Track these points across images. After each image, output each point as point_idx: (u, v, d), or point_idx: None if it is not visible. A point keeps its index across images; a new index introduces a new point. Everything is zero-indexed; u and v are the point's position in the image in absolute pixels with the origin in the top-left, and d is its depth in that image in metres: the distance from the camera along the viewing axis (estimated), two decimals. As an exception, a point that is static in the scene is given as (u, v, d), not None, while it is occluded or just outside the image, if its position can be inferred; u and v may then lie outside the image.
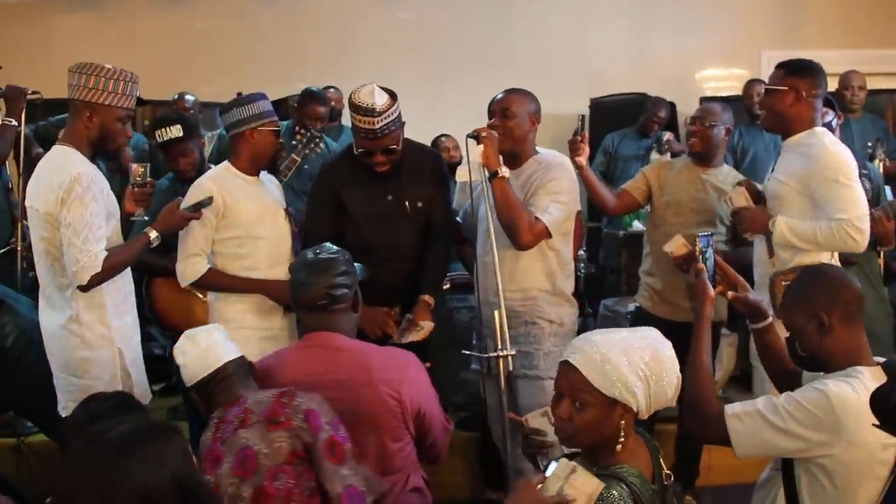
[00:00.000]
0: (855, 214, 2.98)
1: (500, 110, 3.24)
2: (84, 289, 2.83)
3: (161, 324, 3.98)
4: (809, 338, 2.19)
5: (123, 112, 2.93)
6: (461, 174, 3.18)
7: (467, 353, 3.29)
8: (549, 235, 3.15)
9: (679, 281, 3.58)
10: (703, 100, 6.29)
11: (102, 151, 3.01)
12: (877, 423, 1.79)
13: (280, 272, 3.24)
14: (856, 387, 2.04)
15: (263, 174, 3.35)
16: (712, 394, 2.20)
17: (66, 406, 2.96)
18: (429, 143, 3.53)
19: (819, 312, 2.16)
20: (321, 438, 2.16)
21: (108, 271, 2.84)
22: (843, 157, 3.05)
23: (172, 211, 3.05)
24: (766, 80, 3.27)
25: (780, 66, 3.25)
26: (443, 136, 5.74)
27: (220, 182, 3.17)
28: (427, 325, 3.19)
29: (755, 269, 3.29)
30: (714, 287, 2.43)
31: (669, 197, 3.70)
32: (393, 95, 3.14)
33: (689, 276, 2.45)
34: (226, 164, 3.28)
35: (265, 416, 2.19)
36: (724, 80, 7.01)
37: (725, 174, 3.71)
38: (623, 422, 1.84)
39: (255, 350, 2.85)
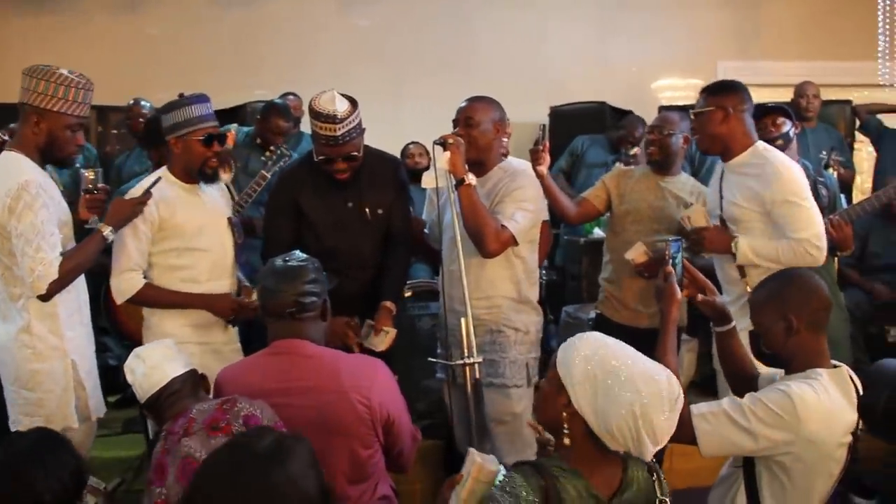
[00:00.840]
0: (812, 233, 3.01)
1: (463, 119, 3.23)
2: (44, 298, 2.74)
3: (119, 332, 3.90)
4: (775, 337, 2.27)
5: (74, 120, 2.83)
6: (427, 181, 3.14)
7: (433, 360, 3.27)
8: (516, 243, 3.15)
9: (639, 288, 3.61)
10: (661, 108, 6.38)
11: (51, 159, 2.89)
12: (864, 429, 1.86)
13: (221, 285, 3.19)
14: (816, 388, 2.12)
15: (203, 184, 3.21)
16: None
17: (16, 420, 2.87)
18: (388, 150, 3.51)
19: (789, 315, 2.23)
20: None
21: (66, 276, 2.75)
22: (795, 177, 3.07)
23: (120, 202, 2.95)
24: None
25: (702, 90, 3.28)
26: (411, 143, 5.73)
27: (156, 191, 3.03)
28: (391, 332, 3.17)
29: (723, 286, 3.28)
30: (682, 290, 2.45)
31: (629, 205, 3.71)
32: (353, 102, 3.11)
33: (658, 279, 2.45)
34: (163, 170, 3.16)
35: (206, 423, 2.19)
36: (682, 89, 7.09)
37: (684, 182, 3.74)
38: (565, 414, 1.81)
39: (198, 364, 2.77)
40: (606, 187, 3.77)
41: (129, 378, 2.40)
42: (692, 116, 3.26)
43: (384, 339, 3.17)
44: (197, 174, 3.11)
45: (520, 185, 3.19)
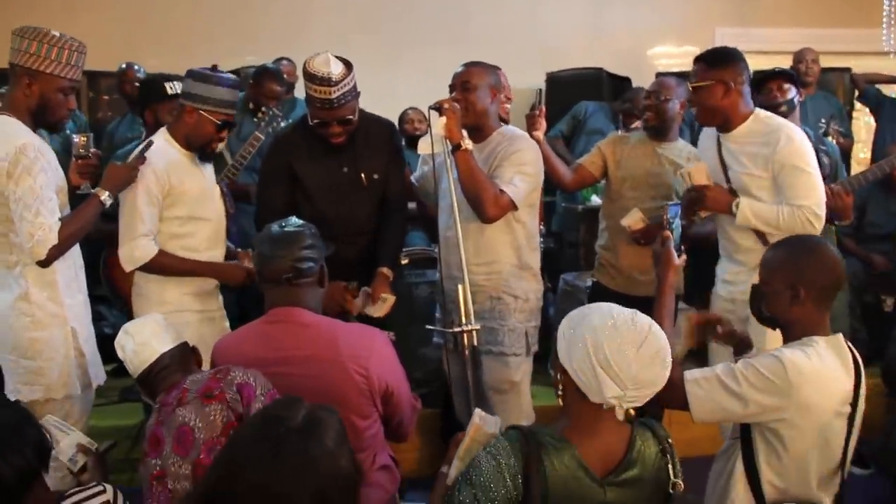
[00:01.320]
0: (814, 201, 3.00)
1: (460, 83, 3.20)
2: (43, 264, 2.70)
3: (119, 299, 3.88)
4: (779, 302, 2.24)
5: (66, 83, 2.77)
6: (423, 146, 3.10)
7: (430, 328, 3.26)
8: (515, 208, 3.12)
9: (635, 255, 3.61)
10: (658, 75, 6.32)
11: (42, 123, 2.84)
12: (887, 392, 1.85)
13: (217, 254, 3.17)
14: (809, 354, 2.11)
15: None
16: (674, 360, 2.21)
17: (14, 389, 2.83)
18: (383, 115, 3.48)
19: (798, 285, 2.19)
20: (254, 408, 2.14)
21: (65, 241, 2.71)
22: (803, 144, 3.05)
23: (116, 167, 2.90)
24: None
25: (699, 59, 3.19)
26: (409, 108, 5.68)
27: (165, 158, 2.99)
28: (389, 299, 3.16)
29: (730, 255, 3.27)
30: (679, 256, 2.44)
31: (625, 171, 3.70)
32: (348, 65, 3.07)
33: (656, 244, 2.44)
34: (164, 134, 3.09)
35: (200, 392, 2.18)
36: (678, 56, 7.03)
37: (681, 148, 3.72)
38: (553, 371, 1.85)
39: (194, 333, 2.80)
40: (602, 153, 3.76)
41: (119, 354, 2.38)
42: (690, 89, 3.21)
43: (382, 306, 3.16)
44: (197, 149, 3.08)
45: (518, 147, 3.16)
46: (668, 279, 2.37)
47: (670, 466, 1.84)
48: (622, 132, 4.45)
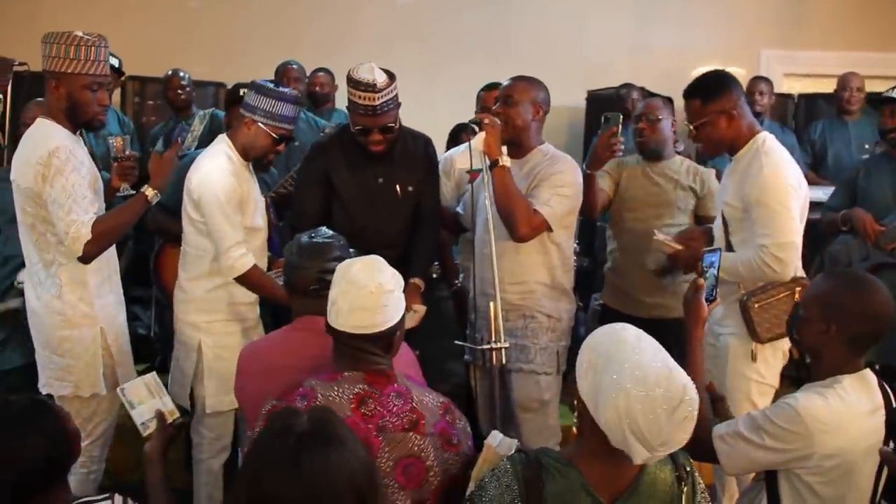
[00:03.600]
0: (775, 241, 2.79)
1: (503, 97, 3.19)
2: (83, 260, 2.77)
3: (165, 293, 3.94)
4: (810, 332, 2.17)
5: (90, 79, 2.82)
6: (462, 161, 3.12)
7: (460, 343, 3.25)
8: (549, 229, 3.10)
9: (643, 277, 3.59)
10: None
11: (78, 122, 2.89)
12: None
13: (264, 264, 3.21)
14: (829, 397, 2.06)
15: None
16: (704, 416, 2.15)
17: (46, 384, 2.91)
18: (423, 128, 3.50)
19: (831, 321, 2.11)
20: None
21: (101, 237, 2.76)
22: (778, 177, 2.84)
23: (158, 161, 2.95)
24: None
25: (691, 96, 3.00)
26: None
27: (233, 168, 3.04)
28: (420, 309, 3.18)
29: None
30: (712, 301, 2.42)
31: (626, 194, 3.71)
32: (391, 75, 3.12)
33: (687, 291, 2.41)
34: (226, 141, 3.13)
35: (438, 431, 2.05)
36: (723, 77, 6.95)
37: (679, 164, 3.72)
38: (576, 403, 1.77)
39: (235, 343, 2.87)
40: (611, 176, 3.76)
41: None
42: (691, 129, 3.01)
43: (412, 316, 3.17)
44: (252, 159, 3.14)
45: (559, 169, 3.14)
46: (697, 334, 2.32)
47: (684, 496, 1.78)
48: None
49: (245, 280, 3.02)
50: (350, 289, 2.01)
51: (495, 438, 1.96)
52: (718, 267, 2.50)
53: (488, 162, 3.00)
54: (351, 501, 1.56)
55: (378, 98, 3.04)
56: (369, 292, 1.99)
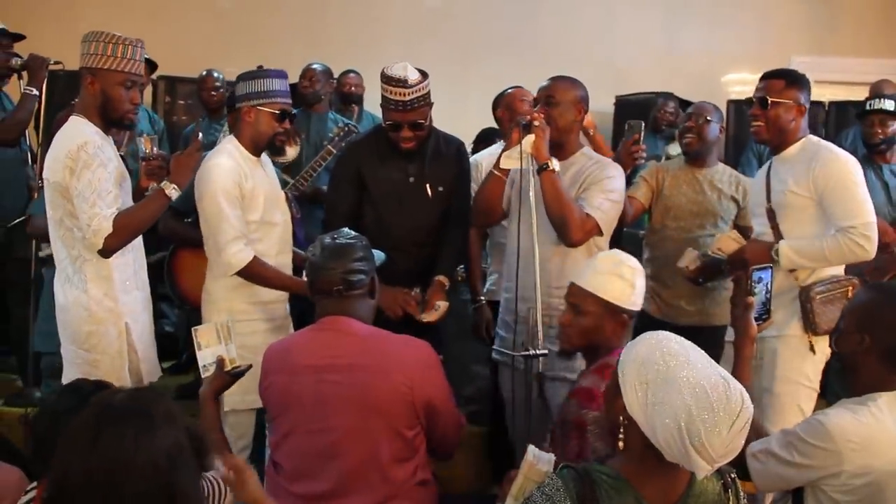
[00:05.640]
0: (862, 221, 2.88)
1: (544, 97, 3.14)
2: (104, 254, 2.79)
3: (180, 299, 3.98)
4: (847, 343, 2.14)
5: (124, 76, 2.85)
6: (508, 161, 3.00)
7: (497, 349, 3.22)
8: (601, 233, 3.04)
9: (682, 285, 3.58)
10: (730, 103, 6.23)
11: (110, 120, 2.92)
12: None
13: (286, 259, 3.22)
14: (861, 415, 2.02)
15: (263, 156, 3.25)
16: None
17: (72, 378, 2.94)
18: (452, 132, 3.52)
19: (866, 333, 2.09)
20: None
21: (122, 231, 2.78)
22: (849, 162, 2.97)
23: (179, 158, 2.96)
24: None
25: (776, 76, 3.11)
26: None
27: (234, 164, 3.05)
28: (443, 306, 3.20)
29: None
30: (765, 320, 2.40)
31: (667, 201, 3.69)
32: (424, 74, 3.17)
33: (737, 308, 2.38)
34: (232, 140, 3.15)
35: None
36: (752, 84, 6.84)
37: (721, 172, 3.71)
38: (622, 418, 1.69)
39: (260, 342, 2.85)
40: (649, 183, 3.75)
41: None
42: (769, 102, 3.06)
43: (435, 312, 3.20)
44: (264, 145, 3.16)
45: (610, 174, 3.09)
46: (745, 353, 2.29)
47: (731, 502, 1.77)
48: (675, 147, 4.43)
49: (247, 274, 3.02)
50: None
51: (533, 454, 1.93)
52: (771, 284, 2.48)
53: (536, 165, 2.94)
54: (152, 487, 1.50)
55: (409, 94, 3.09)
56: None
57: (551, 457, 1.94)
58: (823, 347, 2.98)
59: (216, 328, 2.57)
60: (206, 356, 2.53)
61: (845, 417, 2.02)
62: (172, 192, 2.89)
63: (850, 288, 2.97)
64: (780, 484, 2.15)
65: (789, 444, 2.06)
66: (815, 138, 3.10)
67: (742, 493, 1.82)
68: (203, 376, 2.50)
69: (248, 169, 3.09)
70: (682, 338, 1.72)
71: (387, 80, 3.12)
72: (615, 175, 3.11)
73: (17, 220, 4.07)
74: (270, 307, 3.17)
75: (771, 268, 2.55)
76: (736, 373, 2.23)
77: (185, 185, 2.95)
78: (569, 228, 2.95)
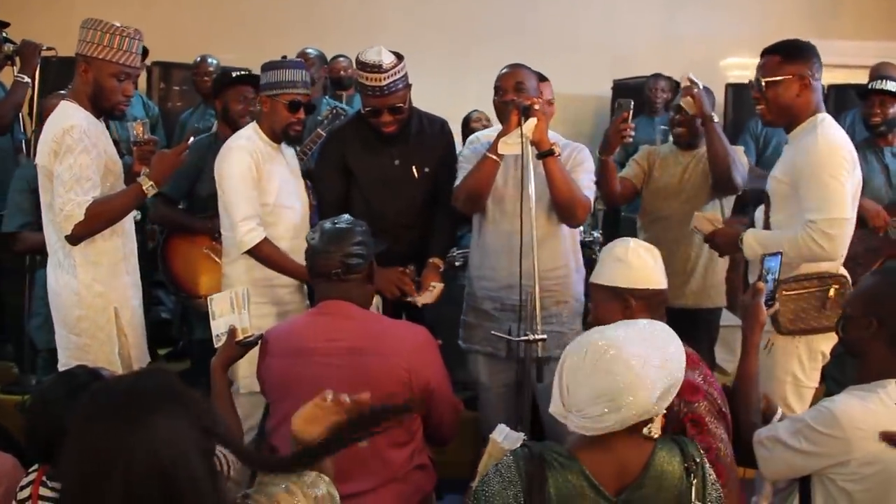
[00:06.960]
0: (825, 217, 2.64)
1: (514, 85, 3.07)
2: (71, 240, 2.79)
3: (173, 285, 3.96)
4: (855, 329, 2.13)
5: (118, 68, 2.85)
6: (507, 147, 2.89)
7: (497, 334, 3.20)
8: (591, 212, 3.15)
9: (675, 266, 3.53)
10: (729, 87, 6.20)
11: (100, 108, 2.91)
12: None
13: (300, 244, 3.20)
14: (870, 401, 2.01)
15: (283, 144, 3.27)
16: (751, 422, 2.21)
17: (65, 363, 2.94)
18: (450, 118, 3.50)
19: (873, 317, 2.07)
20: None
21: (92, 220, 2.77)
22: (833, 153, 2.71)
23: (162, 155, 2.95)
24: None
25: (772, 51, 2.88)
26: (474, 111, 5.62)
27: (251, 146, 3.10)
28: (437, 287, 3.20)
29: (750, 275, 3.04)
30: (772, 304, 2.39)
31: (659, 183, 3.72)
32: (399, 56, 3.15)
33: (746, 294, 2.39)
34: (254, 126, 3.21)
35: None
36: (752, 68, 6.83)
37: None
38: None
39: (271, 325, 2.82)
40: (640, 165, 3.79)
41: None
42: (763, 84, 2.85)
43: (430, 293, 3.19)
44: (280, 134, 3.17)
45: (587, 156, 3.18)
46: (754, 339, 2.29)
47: (693, 489, 1.73)
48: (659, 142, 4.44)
49: (256, 254, 3.05)
50: None
51: (501, 432, 1.96)
52: (779, 271, 2.46)
53: (536, 151, 2.88)
54: (149, 478, 1.35)
55: (385, 78, 3.07)
56: None
57: (520, 436, 1.97)
58: (817, 346, 2.87)
59: (230, 296, 2.54)
60: (219, 325, 2.50)
61: (854, 405, 2.00)
62: (149, 189, 2.89)
63: (836, 287, 2.78)
64: (786, 471, 2.13)
65: (797, 432, 2.04)
66: (821, 118, 2.82)
67: (712, 477, 1.79)
68: (216, 346, 2.48)
69: (265, 154, 3.13)
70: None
71: (361, 66, 3.11)
72: (589, 157, 3.19)
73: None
74: (283, 292, 3.18)
75: (780, 255, 2.51)
76: (744, 360, 2.26)
77: (162, 183, 2.95)
78: (577, 210, 3.00)
